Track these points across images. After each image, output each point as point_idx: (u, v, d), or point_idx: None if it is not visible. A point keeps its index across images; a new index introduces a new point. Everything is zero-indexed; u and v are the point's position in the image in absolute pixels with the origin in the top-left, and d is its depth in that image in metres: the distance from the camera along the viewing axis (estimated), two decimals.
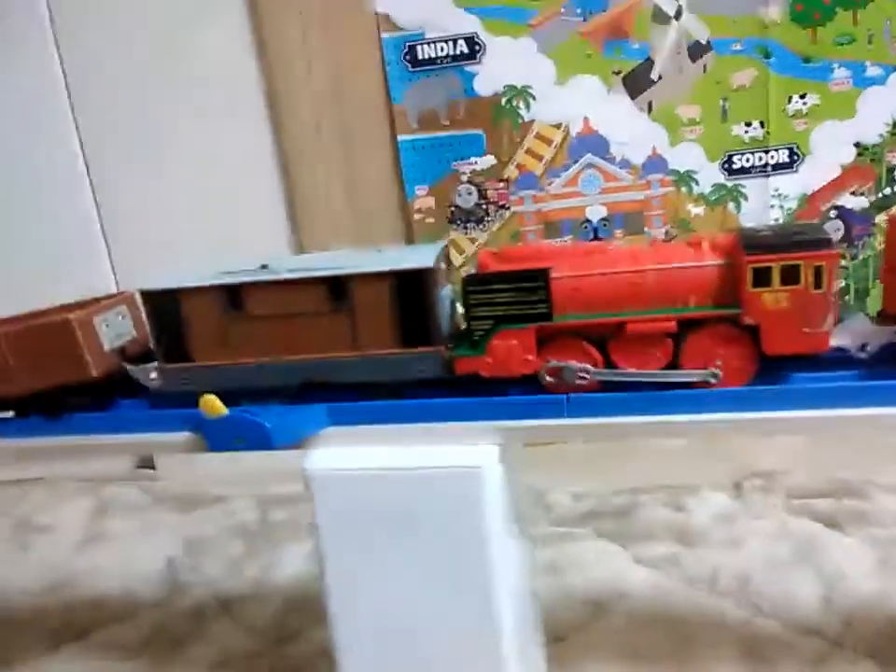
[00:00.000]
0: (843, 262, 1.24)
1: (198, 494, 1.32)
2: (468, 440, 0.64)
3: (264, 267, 0.68)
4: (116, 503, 1.31)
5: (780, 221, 1.24)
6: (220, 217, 1.32)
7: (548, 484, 1.21)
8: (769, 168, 1.23)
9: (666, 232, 1.27)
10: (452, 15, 1.21)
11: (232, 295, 0.66)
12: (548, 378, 0.63)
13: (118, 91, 1.30)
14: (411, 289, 0.63)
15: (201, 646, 0.93)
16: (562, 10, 1.19)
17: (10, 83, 1.32)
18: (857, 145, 1.21)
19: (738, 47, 1.18)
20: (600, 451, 1.17)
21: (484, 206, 1.29)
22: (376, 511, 0.63)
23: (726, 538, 1.03)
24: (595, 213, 1.28)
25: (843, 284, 1.25)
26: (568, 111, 1.24)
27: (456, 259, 1.31)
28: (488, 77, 1.23)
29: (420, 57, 1.23)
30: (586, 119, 1.24)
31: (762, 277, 0.59)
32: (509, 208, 1.29)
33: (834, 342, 0.62)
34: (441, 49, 1.22)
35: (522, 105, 1.24)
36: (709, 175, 1.25)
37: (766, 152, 1.22)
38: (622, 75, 1.22)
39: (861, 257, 1.25)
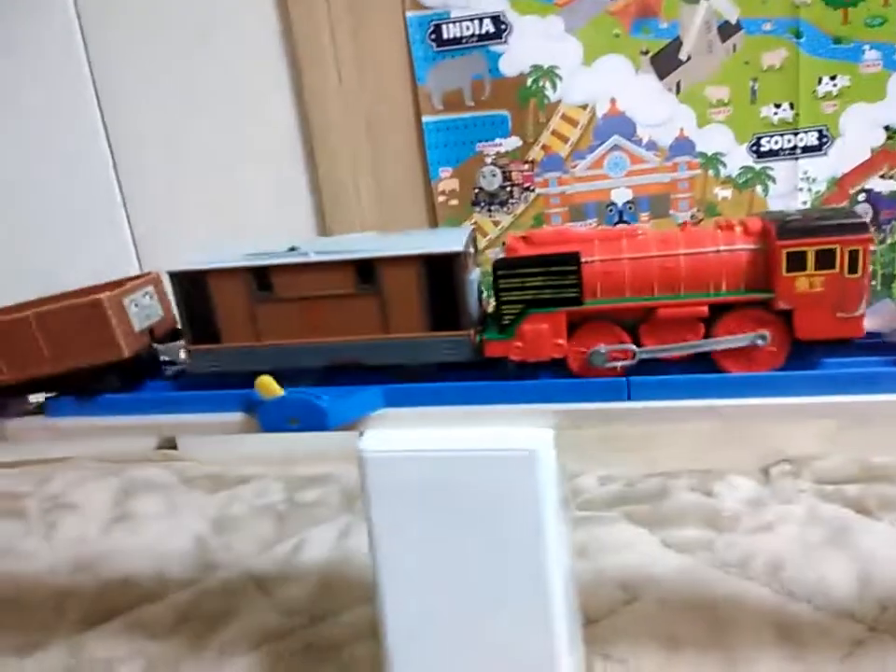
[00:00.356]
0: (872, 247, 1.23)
1: (223, 474, 1.33)
2: (523, 423, 0.63)
3: (293, 249, 0.68)
4: (141, 483, 1.32)
5: (808, 205, 1.23)
6: (245, 200, 1.32)
7: (575, 468, 1.21)
8: (798, 151, 1.21)
9: (693, 216, 1.26)
10: None
11: (261, 277, 0.66)
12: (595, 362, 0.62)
13: (142, 74, 1.30)
14: (440, 273, 0.63)
15: (235, 625, 0.93)
16: None
17: (38, 70, 1.32)
18: (887, 128, 1.19)
19: (769, 27, 1.17)
20: (625, 435, 1.17)
21: (509, 188, 1.28)
22: (431, 493, 0.63)
23: (756, 523, 1.03)
24: (621, 196, 1.26)
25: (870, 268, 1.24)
26: (595, 92, 1.22)
27: (480, 242, 1.30)
28: (514, 57, 1.22)
29: (445, 36, 1.22)
30: (613, 99, 1.23)
31: (796, 261, 0.58)
32: (533, 190, 1.28)
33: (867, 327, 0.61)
34: (467, 29, 1.21)
35: (548, 85, 1.23)
36: (737, 158, 1.23)
37: (795, 134, 1.21)
38: (650, 55, 1.20)
39: (888, 241, 1.23)
